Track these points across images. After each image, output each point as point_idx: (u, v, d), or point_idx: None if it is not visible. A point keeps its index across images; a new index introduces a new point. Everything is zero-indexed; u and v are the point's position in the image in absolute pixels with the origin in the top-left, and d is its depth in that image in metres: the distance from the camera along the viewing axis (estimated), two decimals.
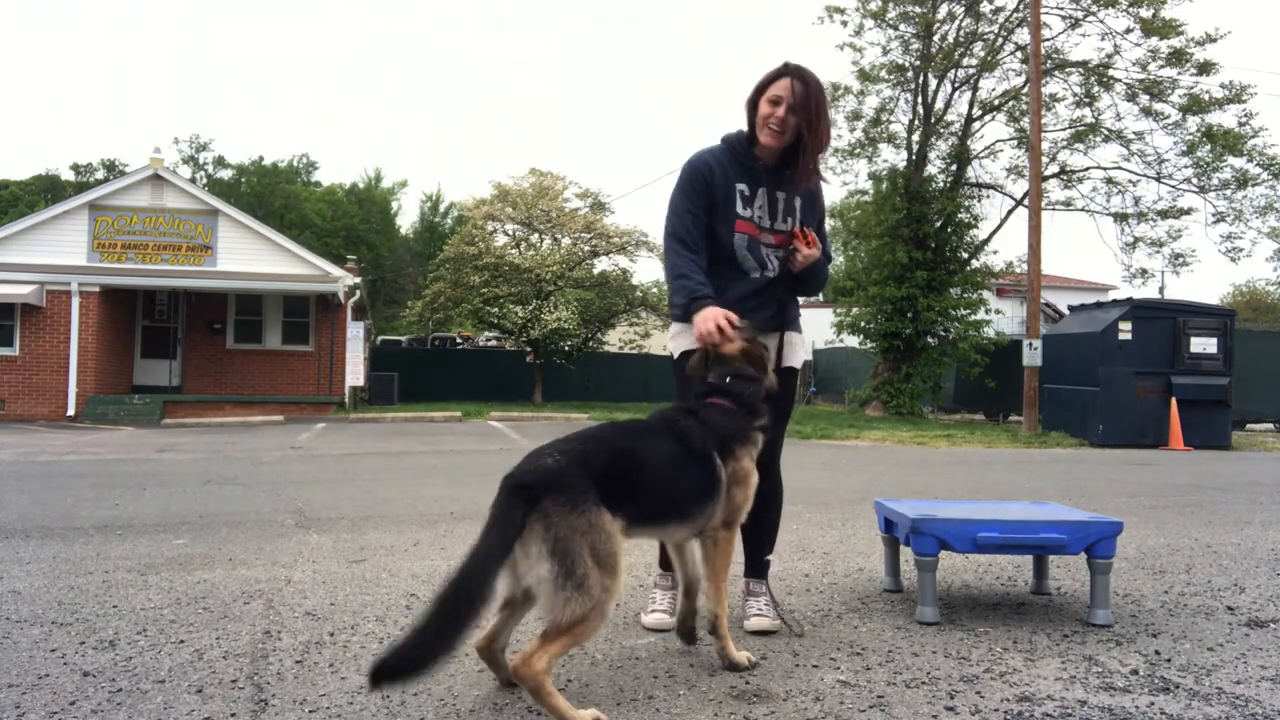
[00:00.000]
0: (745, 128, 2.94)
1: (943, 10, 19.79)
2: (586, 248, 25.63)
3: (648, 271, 54.66)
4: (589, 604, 2.05)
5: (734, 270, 2.94)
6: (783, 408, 2.99)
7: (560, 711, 2.02)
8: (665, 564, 3.04)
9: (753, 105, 2.88)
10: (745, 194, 2.90)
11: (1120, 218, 19.91)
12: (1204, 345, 13.25)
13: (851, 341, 22.15)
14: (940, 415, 21.97)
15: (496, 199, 25.52)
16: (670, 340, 3.07)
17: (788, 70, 2.82)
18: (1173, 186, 19.16)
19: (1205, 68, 17.78)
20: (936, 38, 19.88)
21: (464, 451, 10.96)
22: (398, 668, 1.88)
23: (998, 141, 22.04)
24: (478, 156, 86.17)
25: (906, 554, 3.79)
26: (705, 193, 2.89)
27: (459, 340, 34.46)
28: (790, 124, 2.80)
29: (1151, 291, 32.49)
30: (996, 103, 20.33)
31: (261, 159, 56.65)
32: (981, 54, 19.90)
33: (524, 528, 2.04)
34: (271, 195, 52.27)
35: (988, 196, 21.04)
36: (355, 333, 20.41)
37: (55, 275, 18.10)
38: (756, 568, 3.07)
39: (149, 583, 3.58)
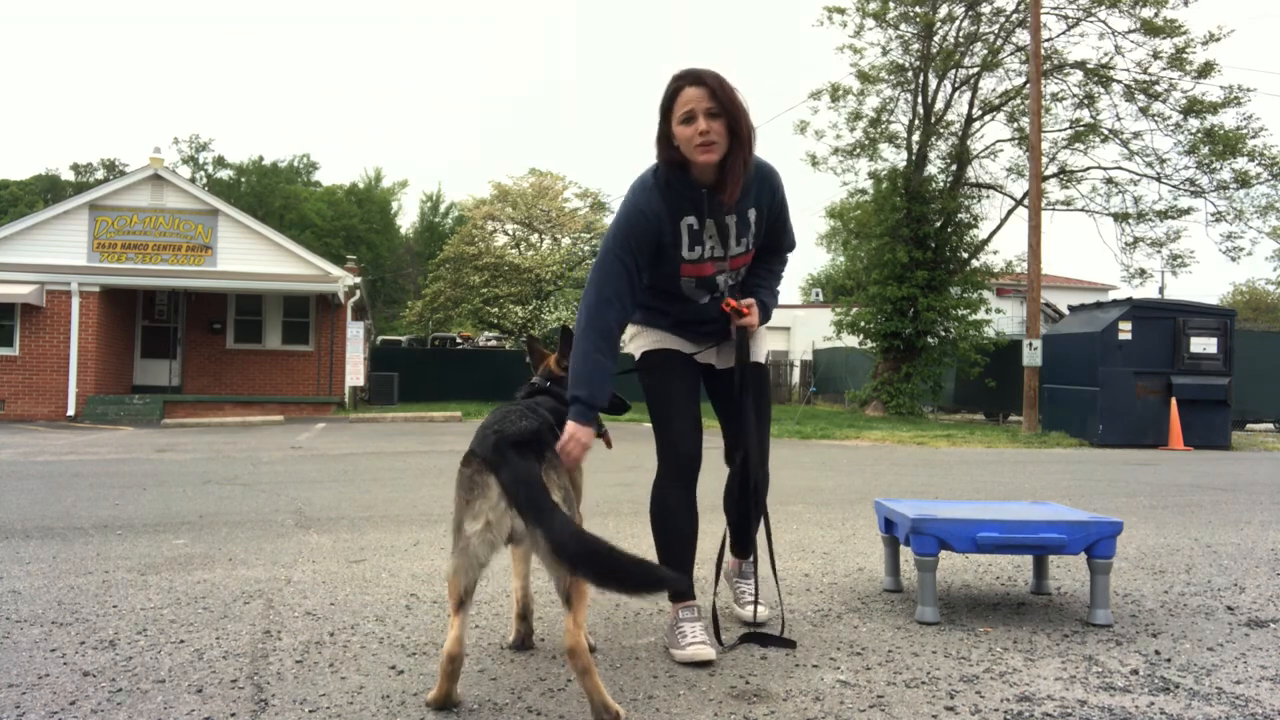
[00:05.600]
0: (661, 164, 2.63)
1: (943, 10, 19.80)
2: (586, 248, 25.68)
3: None
4: None
5: (680, 300, 2.79)
6: (759, 400, 2.87)
7: (605, 696, 2.06)
8: (682, 595, 2.70)
9: (666, 139, 2.57)
10: (694, 228, 2.64)
11: (1120, 218, 19.92)
12: (1204, 345, 13.24)
13: (851, 341, 22.14)
14: (940, 415, 21.96)
15: (496, 199, 25.59)
16: (630, 341, 2.92)
17: (684, 79, 2.53)
18: (1173, 187, 19.18)
19: (1205, 70, 17.79)
20: (937, 38, 19.88)
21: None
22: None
23: (998, 141, 21.99)
24: (478, 156, 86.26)
25: (906, 554, 3.79)
26: (651, 241, 2.63)
27: (459, 340, 34.41)
28: (716, 129, 2.49)
29: (1151, 291, 32.48)
30: (996, 103, 20.33)
31: (261, 159, 56.75)
32: (982, 54, 19.91)
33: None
34: (271, 195, 52.28)
35: (988, 196, 21.05)
36: (355, 333, 20.41)
37: (55, 275, 18.10)
38: (743, 547, 3.05)
39: (149, 583, 3.58)
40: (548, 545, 1.98)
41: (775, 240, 2.85)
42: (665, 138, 2.58)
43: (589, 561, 1.94)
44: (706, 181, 2.61)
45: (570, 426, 2.46)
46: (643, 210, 2.62)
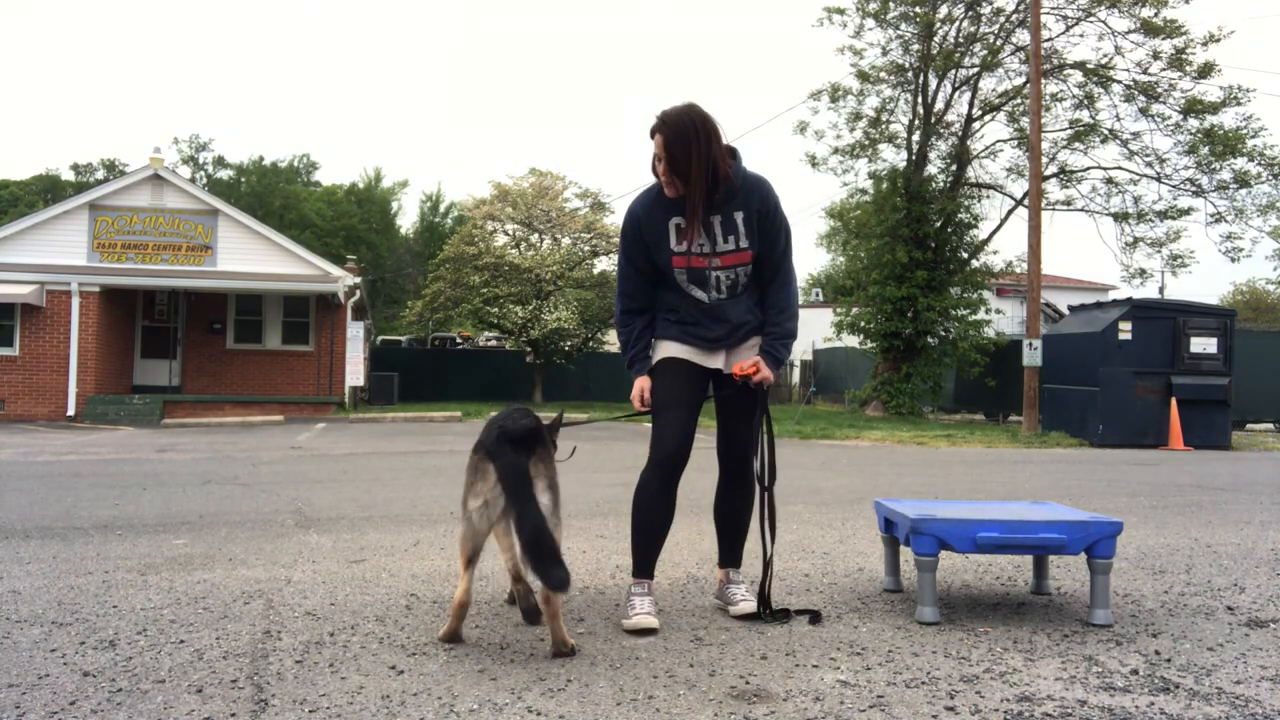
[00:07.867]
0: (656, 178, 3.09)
1: (943, 10, 19.79)
2: (586, 248, 25.64)
3: None
4: (562, 534, 2.58)
5: (684, 295, 3.09)
6: (746, 410, 3.13)
7: (564, 634, 2.61)
8: (640, 572, 3.07)
9: (654, 162, 3.00)
10: (680, 226, 2.98)
11: (1120, 218, 19.91)
12: (1204, 345, 13.24)
13: (851, 341, 22.14)
14: (940, 415, 21.97)
15: (496, 199, 25.52)
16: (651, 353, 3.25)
17: (654, 127, 2.92)
18: (1173, 187, 19.17)
19: (1205, 71, 17.78)
20: (937, 38, 19.88)
21: (464, 451, 10.90)
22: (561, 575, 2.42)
23: (998, 141, 22.02)
24: (478, 156, 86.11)
25: (906, 554, 3.80)
26: (636, 240, 3.06)
27: (459, 340, 34.42)
28: (671, 175, 2.90)
29: (1151, 291, 32.48)
30: (996, 103, 20.32)
31: (261, 159, 56.66)
32: (982, 54, 19.90)
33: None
34: (271, 195, 52.23)
35: (988, 196, 21.04)
36: (355, 333, 20.41)
37: (55, 275, 18.10)
38: (732, 558, 3.24)
39: (149, 583, 3.58)
40: (515, 521, 2.51)
41: (769, 242, 3.06)
42: (654, 161, 2.99)
43: (530, 541, 2.44)
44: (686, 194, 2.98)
45: (636, 383, 3.15)
46: (633, 211, 3.08)
